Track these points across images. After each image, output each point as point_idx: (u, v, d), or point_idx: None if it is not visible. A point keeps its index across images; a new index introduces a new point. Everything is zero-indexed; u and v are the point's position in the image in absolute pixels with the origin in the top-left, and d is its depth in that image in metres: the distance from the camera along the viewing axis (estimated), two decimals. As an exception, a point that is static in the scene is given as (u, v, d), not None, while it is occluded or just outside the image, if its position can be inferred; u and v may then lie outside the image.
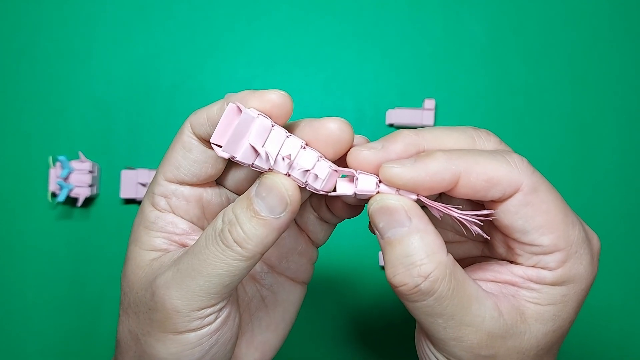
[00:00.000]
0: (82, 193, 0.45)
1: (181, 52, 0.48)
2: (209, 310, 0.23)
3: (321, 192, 0.24)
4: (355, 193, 0.23)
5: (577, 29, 0.48)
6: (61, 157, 0.44)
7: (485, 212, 0.23)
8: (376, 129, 0.47)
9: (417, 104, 0.47)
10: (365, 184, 0.23)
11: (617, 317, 0.46)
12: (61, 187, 0.44)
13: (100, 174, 0.47)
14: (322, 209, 0.29)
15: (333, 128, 0.23)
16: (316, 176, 0.23)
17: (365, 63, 0.48)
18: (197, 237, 0.25)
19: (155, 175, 0.26)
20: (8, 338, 0.46)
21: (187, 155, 0.25)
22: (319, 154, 0.23)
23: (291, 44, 0.48)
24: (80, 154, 0.45)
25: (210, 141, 0.22)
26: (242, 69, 0.48)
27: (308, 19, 0.48)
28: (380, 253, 0.46)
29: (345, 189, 0.24)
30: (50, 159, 0.45)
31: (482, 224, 0.23)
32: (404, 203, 0.23)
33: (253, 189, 0.23)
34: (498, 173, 0.22)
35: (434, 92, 0.47)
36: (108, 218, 0.46)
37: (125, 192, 0.45)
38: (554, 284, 0.23)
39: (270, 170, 0.23)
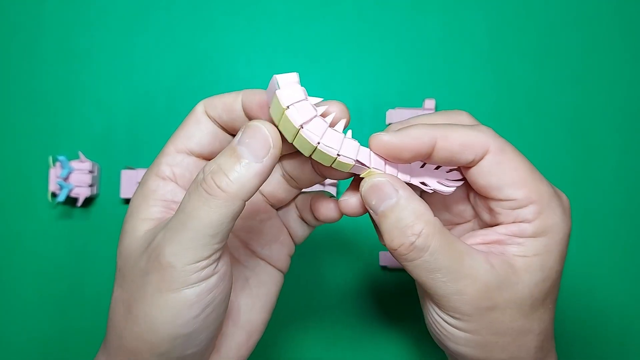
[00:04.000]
0: (82, 193, 0.45)
1: (181, 52, 0.48)
2: (203, 263, 0.24)
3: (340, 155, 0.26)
4: (356, 160, 0.26)
5: (578, 29, 0.48)
6: (61, 157, 0.44)
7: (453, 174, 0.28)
8: (376, 129, 0.47)
9: (417, 104, 0.47)
10: (362, 154, 0.26)
11: (617, 317, 0.46)
12: (61, 187, 0.44)
13: (100, 174, 0.47)
14: (306, 210, 0.31)
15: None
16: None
17: (365, 63, 0.48)
18: None
19: (164, 148, 0.28)
20: (8, 338, 0.46)
21: (199, 127, 0.28)
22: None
23: (291, 43, 0.48)
24: (80, 153, 0.45)
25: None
26: (242, 69, 0.48)
27: (308, 18, 0.48)
28: (381, 253, 0.46)
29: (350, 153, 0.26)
30: (50, 159, 0.45)
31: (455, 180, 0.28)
32: (390, 178, 0.26)
33: (235, 139, 0.24)
34: (469, 138, 0.26)
35: (434, 92, 0.47)
36: (108, 218, 0.46)
37: (125, 192, 0.45)
38: (535, 235, 0.26)
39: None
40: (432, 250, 0.25)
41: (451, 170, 0.29)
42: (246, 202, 0.25)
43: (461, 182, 0.28)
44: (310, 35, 0.48)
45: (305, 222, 0.32)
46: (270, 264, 0.32)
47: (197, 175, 0.24)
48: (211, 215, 0.23)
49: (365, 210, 0.28)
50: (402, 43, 0.48)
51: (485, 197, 0.28)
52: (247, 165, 0.23)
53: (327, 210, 0.30)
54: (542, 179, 0.27)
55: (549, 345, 0.28)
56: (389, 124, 0.46)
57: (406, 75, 0.48)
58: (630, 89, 0.48)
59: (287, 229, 0.32)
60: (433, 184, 0.28)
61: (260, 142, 0.24)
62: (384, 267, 0.46)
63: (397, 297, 0.46)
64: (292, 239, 0.33)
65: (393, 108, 0.47)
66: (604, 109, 0.47)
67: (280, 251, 0.32)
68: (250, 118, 0.27)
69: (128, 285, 0.26)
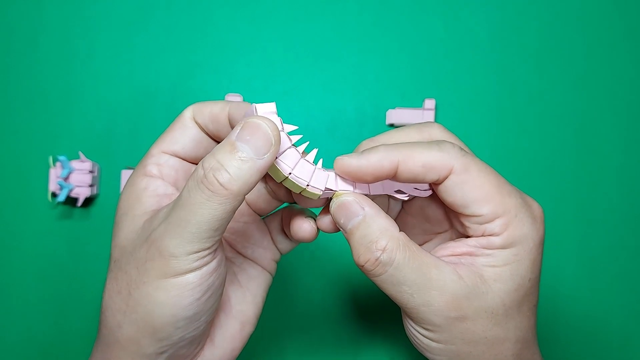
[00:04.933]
0: (82, 193, 0.45)
1: (181, 52, 0.48)
2: (205, 252, 0.25)
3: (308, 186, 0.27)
4: (325, 188, 0.27)
5: (578, 29, 0.48)
6: (61, 157, 0.44)
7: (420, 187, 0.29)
8: (376, 128, 0.47)
9: (418, 104, 0.47)
10: (330, 181, 0.27)
11: (617, 317, 0.46)
12: (61, 187, 0.44)
13: (101, 174, 0.47)
14: (287, 226, 0.32)
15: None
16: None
17: (365, 63, 0.48)
18: None
19: (149, 150, 0.30)
20: (8, 338, 0.45)
21: (185, 132, 0.29)
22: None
23: (291, 43, 0.48)
24: (81, 153, 0.45)
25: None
26: (242, 69, 0.48)
27: (308, 18, 0.48)
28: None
29: (318, 183, 0.27)
30: (50, 159, 0.45)
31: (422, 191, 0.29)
32: (356, 197, 0.27)
33: (233, 134, 0.24)
34: (431, 159, 0.26)
35: (434, 92, 0.47)
36: (108, 218, 0.46)
37: (126, 192, 0.45)
38: (503, 246, 0.27)
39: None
40: (396, 265, 0.26)
41: None
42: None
43: (430, 192, 0.30)
44: (310, 36, 0.48)
45: (287, 237, 0.33)
46: (256, 263, 0.33)
47: (196, 171, 0.24)
48: (213, 211, 0.24)
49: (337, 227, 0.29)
50: (402, 43, 0.48)
51: (454, 212, 0.28)
52: (248, 162, 0.24)
53: (300, 230, 0.30)
54: (509, 192, 0.27)
55: (530, 353, 0.28)
56: (389, 124, 0.47)
57: (406, 75, 0.48)
58: (631, 89, 0.48)
59: (271, 237, 0.33)
60: (409, 190, 0.29)
61: (261, 138, 0.24)
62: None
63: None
64: (277, 248, 0.33)
65: (393, 108, 0.47)
66: (605, 109, 0.47)
67: (264, 255, 0.33)
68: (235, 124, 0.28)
69: (126, 274, 0.26)
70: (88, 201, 0.46)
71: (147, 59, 0.48)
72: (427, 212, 0.31)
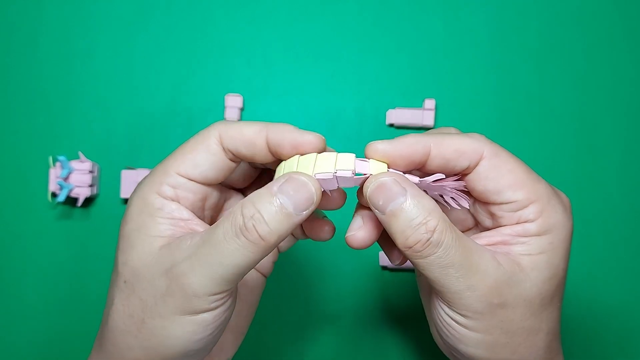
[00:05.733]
0: (82, 193, 0.45)
1: (181, 52, 0.48)
2: (226, 294, 0.25)
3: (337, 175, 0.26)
4: (354, 172, 0.26)
5: (579, 29, 0.48)
6: (61, 157, 0.44)
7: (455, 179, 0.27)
8: (376, 128, 0.47)
9: (418, 104, 0.47)
10: (362, 167, 0.26)
11: (617, 317, 0.46)
12: (61, 187, 0.44)
13: (100, 174, 0.47)
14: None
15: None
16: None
17: (365, 63, 0.48)
18: (200, 225, 0.27)
19: (164, 166, 0.27)
20: (8, 338, 0.45)
21: (209, 159, 0.27)
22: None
23: (291, 43, 0.48)
24: (80, 154, 0.45)
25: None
26: (242, 69, 0.48)
27: (308, 18, 0.48)
28: (380, 253, 0.46)
29: (350, 167, 0.26)
30: (50, 159, 0.45)
31: (461, 186, 0.28)
32: (396, 177, 0.26)
33: (275, 185, 0.24)
34: (463, 144, 0.26)
35: (434, 92, 0.47)
36: (108, 218, 0.46)
37: (126, 192, 0.45)
38: (539, 233, 0.26)
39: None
40: (445, 246, 0.25)
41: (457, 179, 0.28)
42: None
43: (467, 204, 0.28)
44: (310, 35, 0.48)
45: (293, 235, 0.32)
46: (257, 270, 0.33)
47: (234, 216, 0.24)
48: (246, 259, 0.24)
49: (373, 242, 0.28)
50: (402, 43, 0.48)
51: (485, 203, 0.28)
52: (287, 216, 0.24)
53: (321, 232, 0.30)
54: (539, 179, 0.27)
55: (557, 345, 0.28)
56: (389, 124, 0.47)
57: (406, 75, 0.48)
58: (632, 88, 0.47)
59: None
60: (447, 197, 0.28)
61: (304, 197, 0.24)
62: (384, 268, 0.46)
63: (397, 298, 0.46)
64: (277, 249, 0.33)
65: (393, 108, 0.47)
66: (606, 108, 0.47)
67: (266, 260, 0.33)
68: (277, 156, 0.27)
69: (141, 301, 0.26)
70: (88, 201, 0.46)
71: (147, 59, 0.48)
72: (449, 211, 0.30)
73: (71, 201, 0.46)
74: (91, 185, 0.45)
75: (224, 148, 0.27)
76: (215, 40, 0.48)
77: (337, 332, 0.46)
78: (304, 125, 0.47)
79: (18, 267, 0.46)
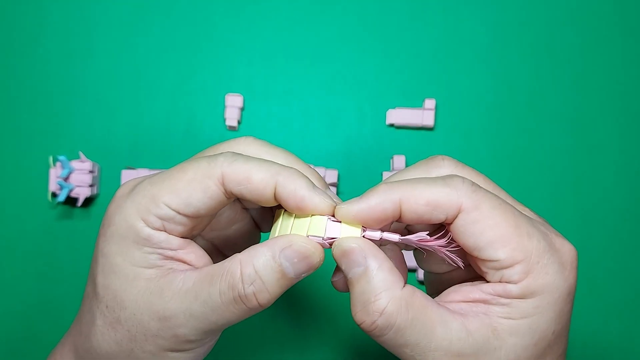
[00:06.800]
0: (82, 193, 0.45)
1: (181, 52, 0.48)
2: (215, 336, 0.26)
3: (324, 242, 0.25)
4: (326, 238, 0.25)
5: (578, 29, 0.48)
6: (61, 157, 0.44)
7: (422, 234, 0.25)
8: (376, 128, 0.47)
9: (418, 104, 0.47)
10: (332, 230, 0.25)
11: (617, 317, 0.46)
12: (61, 187, 0.44)
13: (101, 174, 0.47)
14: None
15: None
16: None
17: (365, 63, 0.48)
18: (188, 252, 0.26)
19: (153, 192, 0.25)
20: (8, 338, 0.45)
21: (205, 201, 0.25)
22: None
23: (291, 43, 0.48)
24: (81, 153, 0.45)
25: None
26: (242, 69, 0.48)
27: (308, 18, 0.48)
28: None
29: (330, 232, 0.25)
30: (51, 159, 0.45)
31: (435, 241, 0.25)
32: (360, 244, 0.24)
33: (277, 249, 0.24)
34: (436, 196, 0.24)
35: (434, 92, 0.47)
36: (108, 218, 0.46)
37: (126, 192, 0.45)
38: (522, 296, 0.23)
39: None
40: (396, 328, 0.23)
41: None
42: (226, 215, 0.28)
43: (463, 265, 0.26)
44: (310, 35, 0.48)
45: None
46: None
47: (232, 276, 0.24)
48: (239, 317, 0.24)
49: None
50: (402, 43, 0.48)
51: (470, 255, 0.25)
52: (288, 280, 0.24)
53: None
54: (529, 234, 0.24)
55: None
56: (389, 124, 0.47)
57: (406, 75, 0.48)
58: (631, 88, 0.48)
59: (258, 226, 0.32)
60: (441, 254, 0.26)
61: (306, 266, 0.24)
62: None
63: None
64: (259, 228, 0.32)
65: (393, 108, 0.47)
66: (604, 108, 0.47)
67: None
68: (284, 206, 0.25)
69: (129, 332, 0.25)
70: (88, 201, 0.46)
71: (148, 59, 0.48)
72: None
73: (71, 201, 0.46)
74: (91, 185, 0.45)
75: (225, 189, 0.25)
76: (215, 40, 0.48)
77: (339, 335, 0.46)
78: (304, 125, 0.47)
79: (18, 267, 0.46)
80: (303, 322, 0.46)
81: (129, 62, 0.48)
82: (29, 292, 0.46)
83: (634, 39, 0.48)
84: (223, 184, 0.24)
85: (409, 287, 0.24)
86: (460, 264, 0.25)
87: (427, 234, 0.25)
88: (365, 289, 0.23)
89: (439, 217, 0.24)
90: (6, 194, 0.46)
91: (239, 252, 0.29)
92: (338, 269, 0.26)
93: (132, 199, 0.25)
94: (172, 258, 0.26)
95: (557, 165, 0.47)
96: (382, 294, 0.23)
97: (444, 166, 0.27)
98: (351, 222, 0.25)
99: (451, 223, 0.24)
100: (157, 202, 0.25)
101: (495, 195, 0.24)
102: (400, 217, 0.24)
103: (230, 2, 0.48)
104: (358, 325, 0.24)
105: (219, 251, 0.32)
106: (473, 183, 0.24)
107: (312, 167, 0.29)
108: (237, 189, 0.24)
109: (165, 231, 0.25)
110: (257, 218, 0.32)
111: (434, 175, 0.26)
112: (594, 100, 0.47)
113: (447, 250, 0.25)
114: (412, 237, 0.25)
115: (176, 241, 0.25)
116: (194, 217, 0.25)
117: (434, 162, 0.27)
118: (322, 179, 0.28)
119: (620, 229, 0.46)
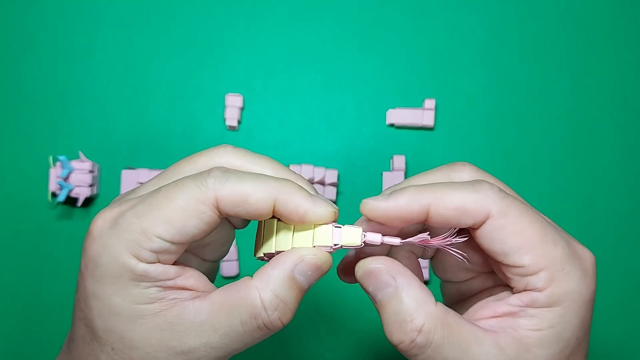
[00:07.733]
0: (82, 193, 0.45)
1: (181, 52, 0.48)
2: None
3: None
4: (341, 245, 0.25)
5: (578, 28, 0.48)
6: (61, 157, 0.44)
7: (448, 236, 0.25)
8: (376, 128, 0.47)
9: (418, 104, 0.47)
10: (337, 237, 0.25)
11: (617, 317, 0.46)
12: (61, 187, 0.44)
13: (101, 173, 0.47)
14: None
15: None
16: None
17: (365, 63, 0.48)
18: (186, 276, 0.25)
19: (142, 224, 0.23)
20: (8, 338, 0.45)
21: (200, 227, 0.24)
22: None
23: (291, 43, 0.48)
24: (81, 153, 0.45)
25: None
26: (242, 69, 0.48)
27: (308, 18, 0.48)
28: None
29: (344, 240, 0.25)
30: (51, 159, 0.45)
31: (460, 239, 0.25)
32: (384, 263, 0.24)
33: (291, 265, 0.24)
34: (465, 201, 0.24)
35: (434, 92, 0.47)
36: (108, 218, 0.46)
37: (126, 192, 0.45)
38: (548, 305, 0.24)
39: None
40: (434, 346, 0.23)
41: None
42: (211, 225, 0.25)
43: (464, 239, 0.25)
44: (310, 35, 0.48)
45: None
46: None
47: (252, 306, 0.24)
48: (261, 340, 0.25)
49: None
50: (402, 43, 0.48)
51: (494, 260, 0.26)
52: (303, 292, 0.25)
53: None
54: (554, 241, 0.24)
55: None
56: (389, 124, 0.47)
57: (406, 75, 0.48)
58: (631, 88, 0.48)
59: (231, 223, 0.30)
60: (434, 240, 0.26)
61: (319, 275, 0.25)
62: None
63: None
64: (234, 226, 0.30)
65: (393, 108, 0.47)
66: (605, 108, 0.47)
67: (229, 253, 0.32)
68: (285, 221, 0.25)
69: None
70: (88, 201, 0.46)
71: (148, 59, 0.48)
72: (466, 253, 0.28)
73: (71, 201, 0.46)
74: (91, 185, 0.45)
75: (220, 211, 0.23)
76: (215, 40, 0.48)
77: (343, 335, 0.46)
78: (304, 125, 0.47)
79: (18, 267, 0.46)
80: (303, 322, 0.46)
81: (128, 62, 0.48)
82: (29, 292, 0.46)
83: (633, 39, 0.48)
84: (218, 208, 0.23)
85: (440, 304, 0.24)
86: (465, 257, 0.25)
87: (427, 234, 0.25)
88: (399, 309, 0.23)
89: (467, 222, 0.24)
90: (6, 194, 0.46)
91: (211, 249, 0.28)
92: (346, 259, 0.27)
93: (119, 236, 0.24)
94: (171, 287, 0.25)
95: (557, 165, 0.47)
96: (417, 311, 0.23)
97: (465, 171, 0.27)
98: (375, 218, 0.24)
99: (477, 228, 0.24)
100: (149, 235, 0.23)
101: (522, 202, 0.25)
102: (426, 220, 0.24)
103: (230, 2, 0.48)
104: (395, 346, 0.24)
105: (197, 255, 0.30)
106: (501, 189, 0.24)
107: (296, 172, 0.28)
108: (234, 211, 0.23)
109: (159, 262, 0.24)
110: (231, 217, 0.30)
111: (455, 180, 0.26)
112: (593, 100, 0.47)
113: (451, 248, 0.25)
114: (413, 239, 0.25)
115: (172, 270, 0.24)
116: (189, 243, 0.24)
117: (455, 167, 0.27)
118: (309, 182, 0.27)
119: (621, 229, 0.46)
